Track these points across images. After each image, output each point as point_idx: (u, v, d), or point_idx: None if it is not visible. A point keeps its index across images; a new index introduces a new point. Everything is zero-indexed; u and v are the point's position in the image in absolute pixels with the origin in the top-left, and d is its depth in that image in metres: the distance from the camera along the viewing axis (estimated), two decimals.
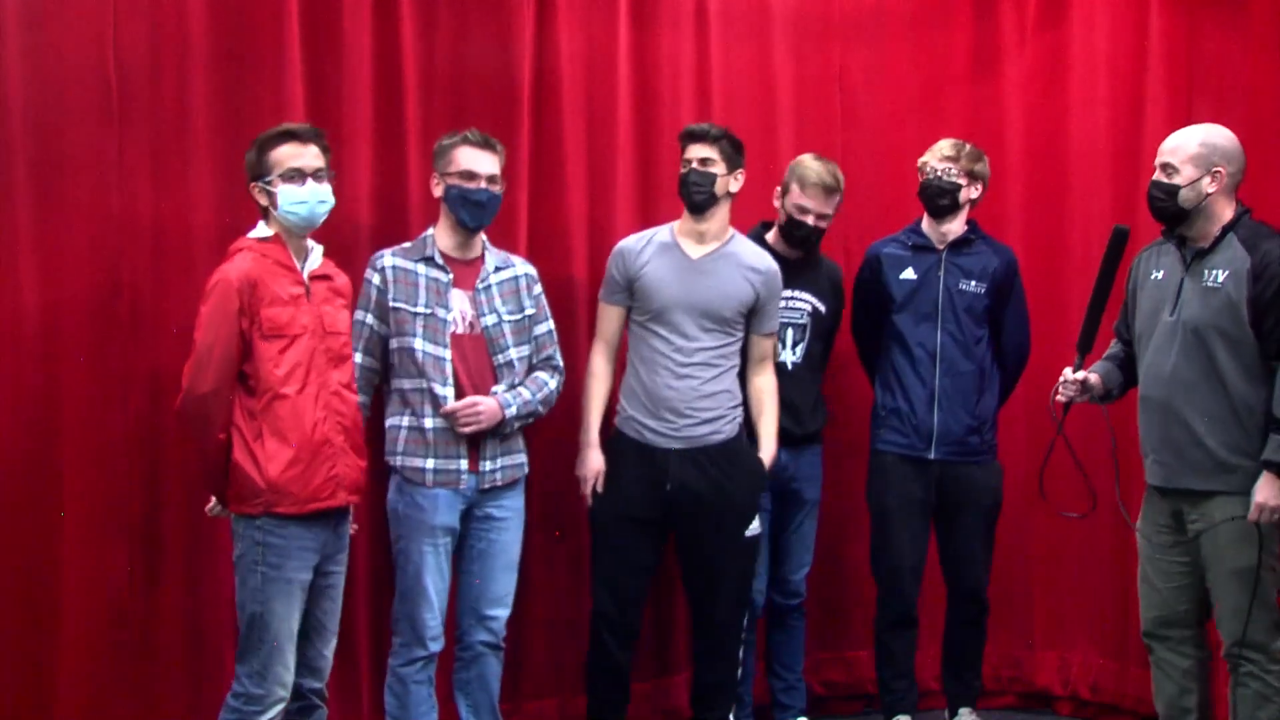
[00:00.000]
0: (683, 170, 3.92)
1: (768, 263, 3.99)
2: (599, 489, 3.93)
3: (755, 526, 3.97)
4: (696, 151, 3.91)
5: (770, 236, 4.22)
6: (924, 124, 4.71)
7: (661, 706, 4.46)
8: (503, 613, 3.82)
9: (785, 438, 4.14)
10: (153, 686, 3.79)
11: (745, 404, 4.01)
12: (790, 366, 4.17)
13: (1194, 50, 4.44)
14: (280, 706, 3.30)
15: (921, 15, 4.78)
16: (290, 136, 3.35)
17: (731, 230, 4.00)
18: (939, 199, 4.17)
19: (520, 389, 3.76)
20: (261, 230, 3.37)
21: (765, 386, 4.03)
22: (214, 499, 3.40)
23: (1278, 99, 4.26)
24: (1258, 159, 4.27)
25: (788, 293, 4.14)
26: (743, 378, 4.01)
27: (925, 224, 4.26)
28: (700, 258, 3.94)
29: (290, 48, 3.88)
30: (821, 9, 4.69)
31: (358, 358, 3.64)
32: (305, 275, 3.37)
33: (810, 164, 4.12)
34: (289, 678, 3.31)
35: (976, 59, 4.81)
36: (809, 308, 4.20)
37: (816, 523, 4.34)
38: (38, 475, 3.65)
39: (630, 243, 4.00)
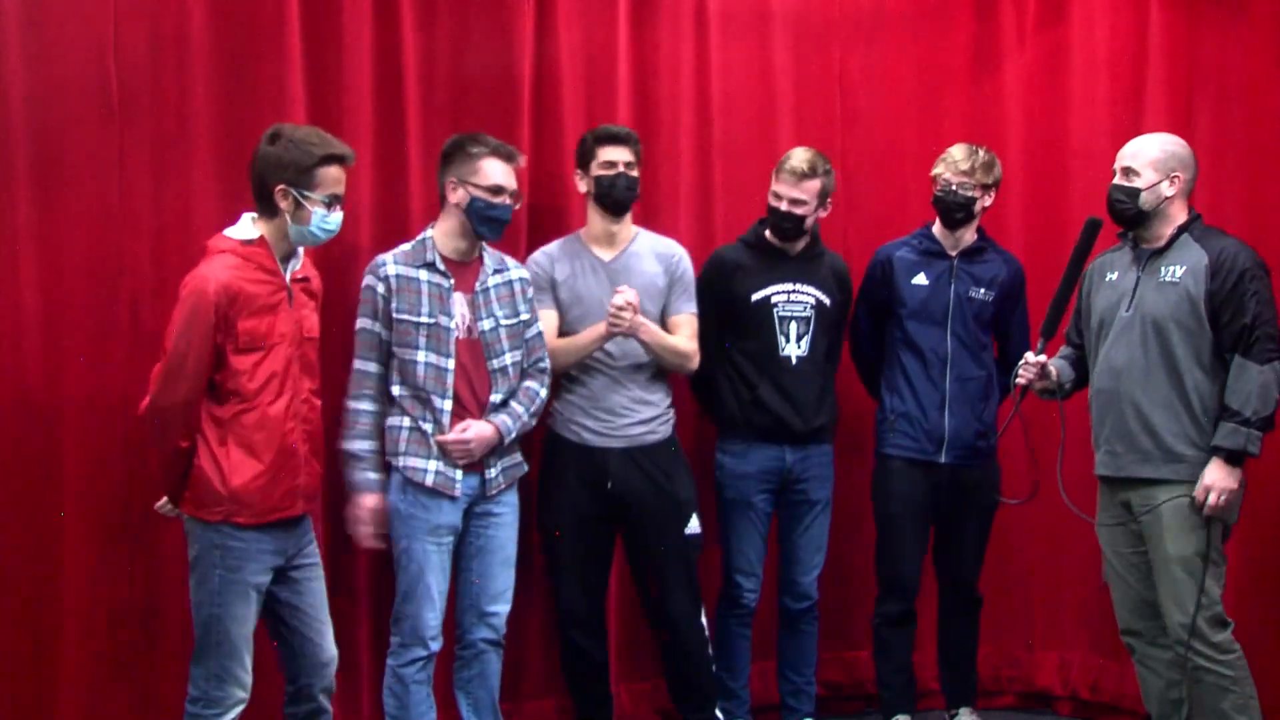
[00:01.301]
0: (608, 174, 3.94)
1: (674, 247, 4.10)
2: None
3: (695, 525, 4.01)
4: (620, 155, 3.95)
5: (770, 232, 4.23)
6: (924, 124, 4.72)
7: (660, 706, 4.46)
8: (503, 609, 3.83)
9: (787, 433, 4.16)
10: (153, 687, 3.79)
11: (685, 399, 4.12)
12: (794, 361, 4.17)
13: (1194, 50, 4.45)
14: (239, 709, 3.28)
15: (921, 15, 4.77)
16: (342, 160, 3.31)
17: (634, 228, 4.07)
18: (954, 212, 4.18)
19: (515, 405, 3.77)
20: (246, 230, 3.28)
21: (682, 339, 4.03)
22: (165, 497, 3.38)
23: (1278, 99, 4.26)
24: (1258, 159, 4.30)
25: (790, 285, 4.17)
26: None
27: (937, 230, 4.27)
28: (613, 259, 4.00)
29: (290, 48, 3.88)
30: (821, 9, 4.69)
31: (370, 366, 3.64)
32: (288, 279, 3.31)
33: (791, 153, 4.15)
34: (248, 679, 3.28)
35: (976, 59, 4.81)
36: (812, 300, 4.19)
37: (829, 525, 4.32)
38: (38, 475, 3.65)
39: (545, 254, 4.03)
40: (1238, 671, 3.57)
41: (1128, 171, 3.66)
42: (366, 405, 3.66)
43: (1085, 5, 4.66)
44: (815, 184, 4.11)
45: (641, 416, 3.97)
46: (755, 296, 4.15)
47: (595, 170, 3.96)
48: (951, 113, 4.75)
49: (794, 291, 4.18)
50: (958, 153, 4.19)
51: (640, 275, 3.99)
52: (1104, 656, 4.59)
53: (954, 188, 4.16)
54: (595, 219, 4.02)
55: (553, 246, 4.07)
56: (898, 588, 4.27)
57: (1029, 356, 3.77)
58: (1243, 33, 4.36)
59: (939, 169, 4.20)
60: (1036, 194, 4.74)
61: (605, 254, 4.02)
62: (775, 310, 4.16)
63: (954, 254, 4.24)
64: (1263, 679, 4.17)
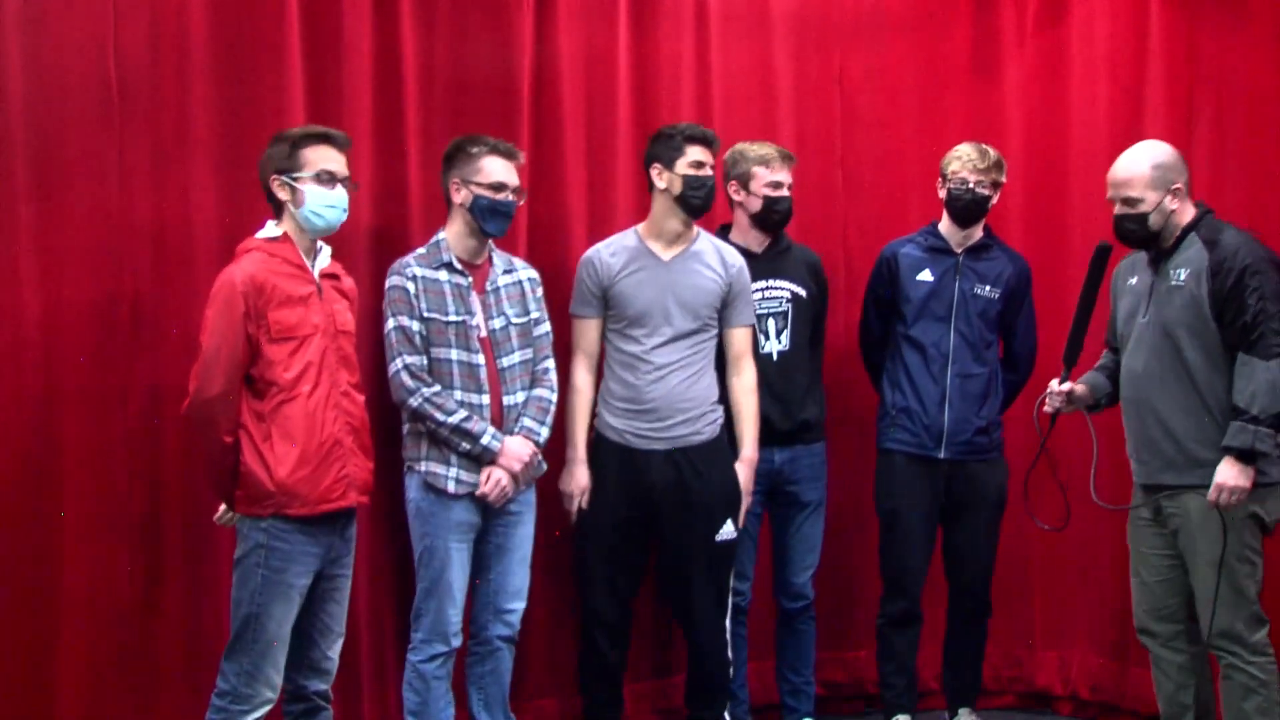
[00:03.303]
0: (698, 174, 3.91)
1: (734, 256, 4.06)
2: (584, 504, 3.98)
3: (729, 530, 3.99)
4: (707, 156, 3.94)
5: (734, 235, 4.22)
6: (924, 124, 4.73)
7: (661, 707, 4.47)
8: (520, 605, 3.87)
9: (773, 431, 4.15)
10: (153, 686, 3.78)
11: (726, 404, 4.05)
12: (776, 356, 4.18)
13: (1194, 50, 4.44)
14: (266, 708, 3.31)
15: (921, 15, 4.78)
16: (327, 139, 3.36)
17: (696, 228, 4.04)
18: (972, 210, 4.18)
19: (533, 425, 3.79)
20: (270, 230, 3.36)
21: (745, 386, 4.06)
22: (223, 507, 3.40)
23: (1278, 99, 4.26)
24: (1258, 159, 4.29)
25: (764, 283, 4.18)
26: (722, 375, 4.05)
27: (944, 227, 4.27)
28: (672, 259, 3.97)
29: (290, 48, 3.88)
30: (821, 9, 4.69)
31: (416, 359, 3.65)
32: (316, 274, 3.37)
33: (759, 147, 4.16)
34: (278, 680, 3.31)
35: (976, 59, 4.81)
36: (787, 294, 4.20)
37: (822, 524, 4.32)
38: (38, 475, 3.65)
39: (600, 253, 4.01)
40: (1268, 675, 3.53)
41: (1128, 201, 3.62)
42: (431, 388, 3.66)
43: (1085, 5, 4.66)
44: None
45: (685, 417, 3.94)
46: None
47: (683, 169, 3.91)
48: (951, 113, 4.75)
49: (768, 288, 4.18)
50: (972, 150, 4.17)
51: (698, 276, 3.97)
52: (1104, 656, 4.59)
53: (972, 185, 4.15)
54: (668, 218, 3.97)
55: (612, 242, 4.03)
56: (901, 585, 4.27)
57: (1054, 385, 3.76)
58: (1243, 33, 4.35)
59: (954, 166, 4.18)
60: (1036, 194, 4.74)
61: (665, 253, 3.98)
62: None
63: (959, 251, 4.24)
64: None
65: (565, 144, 4.29)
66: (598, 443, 4.01)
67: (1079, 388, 3.77)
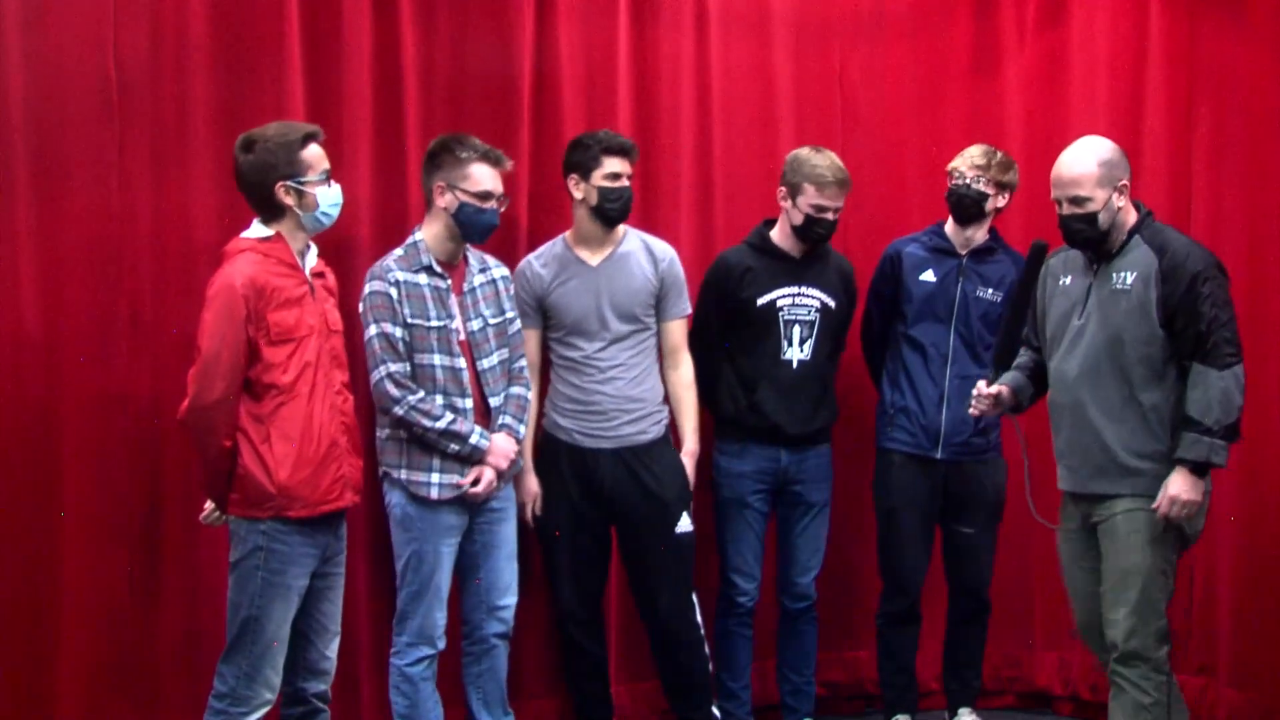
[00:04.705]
0: (613, 185, 3.92)
1: (664, 250, 4.07)
2: (537, 510, 4.00)
3: (686, 524, 4.01)
4: (625, 167, 3.94)
5: (775, 235, 4.20)
6: (924, 124, 4.72)
7: (659, 706, 4.46)
8: (511, 601, 3.87)
9: (783, 437, 4.15)
10: (152, 687, 3.79)
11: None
12: (796, 364, 4.17)
13: (1194, 50, 4.45)
14: (265, 709, 3.30)
15: (921, 15, 4.77)
16: (315, 138, 3.33)
17: (623, 227, 4.05)
18: (967, 207, 4.18)
19: (514, 423, 3.80)
20: (260, 230, 3.32)
21: (684, 380, 4.09)
22: (210, 506, 3.40)
23: (1278, 99, 4.26)
24: (1258, 159, 4.29)
25: (795, 289, 4.16)
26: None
27: (949, 228, 4.27)
28: (600, 263, 3.98)
29: (290, 48, 3.88)
30: (821, 9, 4.68)
31: (400, 367, 3.64)
32: (308, 273, 3.36)
33: (819, 163, 4.06)
34: (277, 681, 3.31)
35: (976, 59, 4.81)
36: (817, 304, 4.19)
37: (827, 526, 4.32)
38: (38, 476, 3.65)
39: (532, 264, 4.03)
40: (1161, 695, 3.45)
41: (1077, 200, 3.51)
42: (416, 395, 3.65)
43: (1085, 6, 4.66)
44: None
45: (631, 417, 3.97)
46: (761, 300, 4.15)
47: (599, 180, 3.92)
48: (951, 113, 4.75)
49: (799, 295, 4.17)
50: (975, 150, 4.19)
51: (628, 277, 3.99)
52: None
53: (967, 181, 4.16)
54: (589, 226, 3.99)
55: (543, 252, 4.05)
56: (901, 585, 4.28)
57: (981, 387, 3.67)
58: (1243, 33, 4.36)
59: (955, 163, 4.19)
60: (1036, 194, 4.70)
61: (593, 258, 4.00)
62: (780, 314, 4.16)
63: (964, 253, 4.24)
64: (1262, 678, 4.17)
65: (565, 144, 4.28)
66: (547, 443, 4.03)
67: (1004, 390, 3.67)
